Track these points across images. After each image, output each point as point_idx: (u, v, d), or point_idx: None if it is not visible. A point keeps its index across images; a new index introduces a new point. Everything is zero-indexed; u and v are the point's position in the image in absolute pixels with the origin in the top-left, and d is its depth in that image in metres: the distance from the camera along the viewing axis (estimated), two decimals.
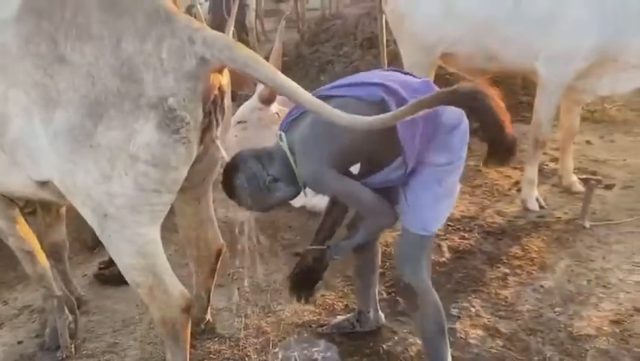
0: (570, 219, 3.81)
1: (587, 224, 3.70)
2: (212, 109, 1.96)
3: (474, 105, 1.69)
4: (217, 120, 2.00)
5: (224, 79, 2.01)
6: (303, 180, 2.06)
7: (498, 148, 1.79)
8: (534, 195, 3.99)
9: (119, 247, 2.01)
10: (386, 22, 4.78)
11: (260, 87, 4.03)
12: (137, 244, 1.99)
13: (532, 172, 4.00)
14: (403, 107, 1.78)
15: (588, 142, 5.10)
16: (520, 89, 5.99)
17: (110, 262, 3.44)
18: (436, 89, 2.11)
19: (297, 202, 4.06)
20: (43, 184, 2.09)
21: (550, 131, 4.04)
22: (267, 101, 3.91)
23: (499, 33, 3.78)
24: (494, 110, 1.68)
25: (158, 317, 2.10)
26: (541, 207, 3.97)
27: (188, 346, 2.20)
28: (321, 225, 2.44)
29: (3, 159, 2.06)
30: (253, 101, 3.95)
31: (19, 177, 2.10)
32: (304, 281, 2.40)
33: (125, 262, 2.03)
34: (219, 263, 2.66)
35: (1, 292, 3.38)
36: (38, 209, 2.88)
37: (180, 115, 1.85)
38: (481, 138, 1.83)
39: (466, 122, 2.15)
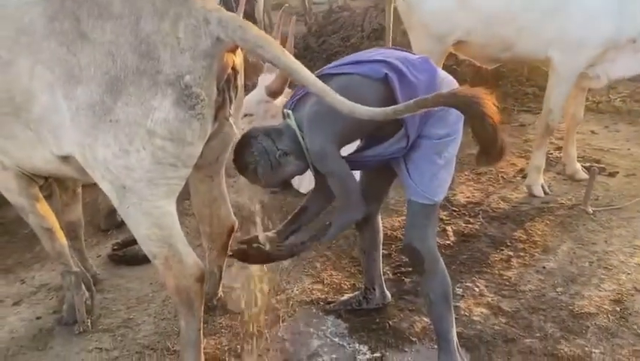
0: (573, 204, 3.88)
1: (590, 209, 3.77)
2: (225, 87, 2.05)
3: (471, 110, 1.79)
4: (230, 98, 2.09)
5: (238, 59, 2.09)
6: (310, 156, 2.14)
7: (490, 151, 1.89)
8: (540, 181, 4.05)
9: (136, 219, 2.09)
10: (394, 13, 4.84)
11: (262, 79, 4.04)
12: (153, 216, 2.07)
13: (539, 158, 4.06)
14: (404, 104, 1.89)
15: (593, 132, 5.16)
16: (525, 80, 6.05)
17: (124, 244, 3.56)
18: (433, 65, 2.20)
19: (304, 188, 4.15)
20: (65, 159, 2.17)
21: (561, 118, 4.09)
22: (274, 94, 3.94)
23: (515, 23, 3.82)
24: (489, 118, 1.77)
25: (173, 286, 2.19)
26: (545, 193, 4.03)
27: (202, 315, 2.28)
28: (289, 221, 2.46)
29: (29, 135, 2.14)
30: (258, 94, 3.96)
31: (43, 153, 2.19)
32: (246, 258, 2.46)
33: (142, 233, 2.12)
34: (231, 240, 2.75)
35: (19, 272, 3.48)
36: (55, 189, 2.98)
37: (196, 92, 1.93)
38: (476, 140, 1.90)
39: None
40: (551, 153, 4.71)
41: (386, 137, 2.17)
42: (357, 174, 2.64)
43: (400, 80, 2.10)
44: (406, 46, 4.57)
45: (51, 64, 1.96)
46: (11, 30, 2.01)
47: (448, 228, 3.65)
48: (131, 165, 1.98)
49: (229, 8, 2.32)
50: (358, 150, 2.34)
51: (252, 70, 4.40)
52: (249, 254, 2.40)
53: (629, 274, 3.11)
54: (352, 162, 2.24)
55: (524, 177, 4.30)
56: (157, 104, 1.92)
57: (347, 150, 2.26)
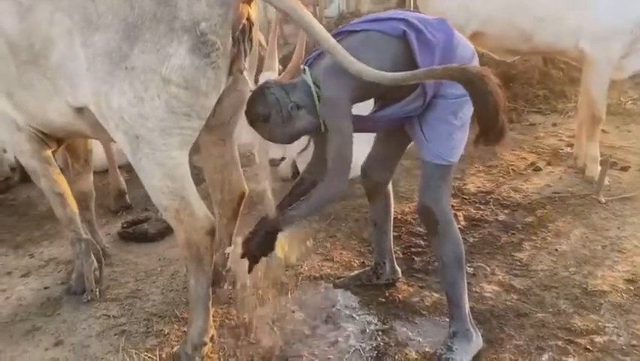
0: (585, 194, 3.85)
1: (602, 198, 3.74)
2: (241, 38, 2.05)
3: (476, 87, 1.80)
4: (245, 50, 2.09)
5: (253, 11, 2.11)
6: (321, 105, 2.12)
7: (490, 130, 1.85)
8: (598, 169, 3.96)
9: (149, 170, 2.09)
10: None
11: (262, 78, 4.04)
12: (166, 166, 2.07)
13: (594, 149, 4.04)
14: (413, 72, 1.92)
15: (604, 131, 5.11)
16: (536, 82, 6.05)
17: (133, 222, 3.56)
18: (450, 26, 2.20)
19: None
20: (79, 112, 2.19)
21: (605, 106, 4.04)
22: None
23: (533, 12, 3.81)
24: (494, 94, 1.77)
25: (183, 240, 2.18)
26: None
27: (211, 271, 2.27)
28: (287, 195, 2.43)
29: (46, 85, 2.16)
30: None
31: (58, 104, 2.20)
32: (257, 249, 2.28)
33: (154, 184, 2.11)
34: (242, 207, 2.74)
35: (28, 247, 3.49)
36: (67, 158, 3.00)
37: (211, 39, 1.95)
38: (476, 119, 1.89)
39: (477, 58, 2.24)
40: (562, 149, 4.71)
41: (402, 96, 2.16)
42: (367, 146, 2.66)
43: (418, 38, 2.10)
44: None
45: (70, 10, 1.98)
46: None
47: (459, 213, 3.62)
48: (146, 113, 1.98)
49: None
50: (373, 111, 2.33)
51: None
52: (256, 244, 2.26)
53: None
54: (366, 122, 2.24)
55: (535, 169, 4.30)
56: (173, 51, 1.93)
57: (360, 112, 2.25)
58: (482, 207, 3.74)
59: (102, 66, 1.97)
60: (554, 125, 5.36)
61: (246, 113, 2.16)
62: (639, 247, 3.18)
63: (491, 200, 3.83)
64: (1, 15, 2.11)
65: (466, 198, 3.87)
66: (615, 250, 3.15)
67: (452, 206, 3.69)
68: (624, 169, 4.27)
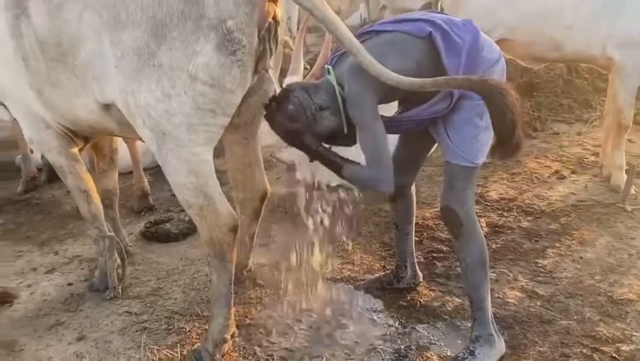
0: (610, 203, 3.79)
1: (628, 207, 3.68)
2: (266, 36, 2.07)
3: (494, 100, 1.81)
4: (270, 49, 2.11)
5: (279, 10, 2.12)
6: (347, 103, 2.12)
7: (506, 143, 1.87)
8: (624, 178, 3.92)
9: (174, 166, 2.11)
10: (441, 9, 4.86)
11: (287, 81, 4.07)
12: (191, 163, 2.10)
13: (619, 158, 4.01)
14: (433, 79, 1.93)
15: (630, 140, 5.04)
16: (560, 92, 5.99)
17: (156, 222, 3.60)
18: (476, 27, 2.20)
19: (333, 181, 4.14)
20: (107, 108, 2.23)
21: (632, 114, 4.03)
22: None
23: (561, 19, 3.80)
24: (512, 109, 1.79)
25: (207, 237, 2.20)
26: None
27: (234, 268, 2.28)
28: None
29: (74, 82, 2.21)
30: None
31: (86, 102, 2.24)
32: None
33: (179, 180, 2.13)
34: (263, 207, 2.75)
35: (53, 245, 3.56)
36: (93, 156, 3.05)
37: (237, 37, 1.97)
38: (494, 131, 1.91)
39: (503, 61, 2.23)
40: (587, 158, 4.64)
41: (428, 97, 2.15)
42: (392, 147, 2.65)
43: (444, 39, 2.10)
44: None
45: (99, 8, 2.02)
46: None
47: (481, 220, 3.58)
48: (172, 109, 2.01)
49: None
50: (397, 113, 2.33)
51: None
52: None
53: None
54: (391, 124, 2.23)
55: (559, 178, 4.25)
56: (199, 49, 1.96)
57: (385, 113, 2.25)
58: (505, 214, 3.70)
59: (130, 64, 2.00)
60: (579, 134, 5.28)
61: (267, 117, 2.17)
62: None
63: (514, 207, 3.78)
64: (33, 13, 2.15)
65: (488, 205, 3.83)
66: None
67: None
68: None
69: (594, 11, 3.70)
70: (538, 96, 5.92)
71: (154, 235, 3.49)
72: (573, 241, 3.31)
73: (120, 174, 3.40)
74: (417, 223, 3.41)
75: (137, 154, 3.93)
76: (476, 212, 3.58)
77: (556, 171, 4.37)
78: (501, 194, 4.02)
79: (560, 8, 3.78)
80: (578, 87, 6.08)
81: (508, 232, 3.46)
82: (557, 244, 3.29)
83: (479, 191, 3.98)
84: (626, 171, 3.96)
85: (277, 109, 2.15)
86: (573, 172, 4.37)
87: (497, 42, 4.05)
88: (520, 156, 4.70)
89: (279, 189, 4.00)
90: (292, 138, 2.20)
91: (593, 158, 4.61)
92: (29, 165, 4.48)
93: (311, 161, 2.24)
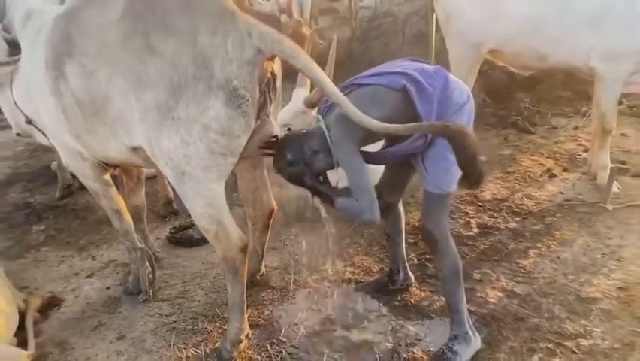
0: (595, 202, 4.10)
1: (610, 206, 3.99)
2: (266, 89, 2.46)
3: (457, 141, 2.18)
4: (270, 99, 2.50)
5: (276, 66, 2.49)
6: (334, 152, 2.49)
7: (470, 176, 2.27)
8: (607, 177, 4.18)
9: (193, 200, 2.52)
10: (436, 19, 5.14)
11: (295, 93, 4.38)
12: (207, 197, 2.50)
13: (604, 158, 4.29)
14: (405, 125, 2.27)
15: (623, 135, 5.30)
16: (561, 84, 6.22)
17: (180, 228, 4.04)
18: (447, 74, 2.54)
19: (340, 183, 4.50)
20: (135, 150, 2.63)
21: (615, 118, 4.24)
22: (313, 105, 4.27)
23: (546, 33, 4.06)
24: (471, 148, 2.17)
25: (222, 256, 2.62)
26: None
27: (245, 280, 2.70)
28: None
29: (105, 130, 2.61)
30: (293, 106, 4.26)
31: (117, 145, 2.65)
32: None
33: (198, 211, 2.55)
34: (271, 221, 3.18)
35: (91, 250, 4.02)
36: (122, 177, 3.47)
37: (242, 93, 2.34)
38: (459, 166, 2.27)
39: (471, 100, 2.56)
40: (579, 155, 4.93)
41: (407, 137, 2.51)
42: (380, 170, 3.01)
43: (418, 90, 2.45)
44: (444, 51, 4.90)
45: (125, 74, 2.40)
46: (95, 45, 2.47)
47: (472, 221, 3.95)
48: (190, 154, 2.40)
49: None
50: (383, 148, 2.70)
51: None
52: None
53: (639, 265, 3.34)
54: (376, 157, 2.61)
55: (551, 176, 4.56)
56: (211, 104, 2.33)
57: (373, 148, 2.62)
58: (495, 214, 4.04)
59: (153, 117, 2.39)
60: (576, 128, 5.56)
61: (274, 164, 2.58)
62: (637, 255, 3.44)
63: (504, 208, 4.12)
64: (69, 77, 2.55)
65: (481, 206, 4.18)
66: (614, 258, 3.42)
67: (467, 213, 4.06)
68: (637, 176, 4.47)
69: (576, 25, 3.94)
70: (539, 89, 6.17)
71: (178, 241, 3.92)
72: (554, 242, 3.65)
73: (147, 178, 3.80)
74: (412, 225, 3.82)
75: None
76: (469, 213, 4.03)
77: (549, 170, 4.67)
78: (494, 194, 4.35)
79: (544, 22, 4.03)
80: (578, 79, 6.27)
81: (496, 233, 3.81)
82: (539, 245, 3.63)
83: (474, 192, 4.31)
84: (610, 169, 4.25)
85: (279, 157, 2.55)
86: (564, 170, 4.68)
87: (489, 52, 4.40)
88: (517, 154, 5.04)
89: (287, 192, 4.39)
90: (294, 179, 2.60)
91: (585, 155, 4.88)
92: (64, 172, 4.89)
93: (312, 196, 2.65)
